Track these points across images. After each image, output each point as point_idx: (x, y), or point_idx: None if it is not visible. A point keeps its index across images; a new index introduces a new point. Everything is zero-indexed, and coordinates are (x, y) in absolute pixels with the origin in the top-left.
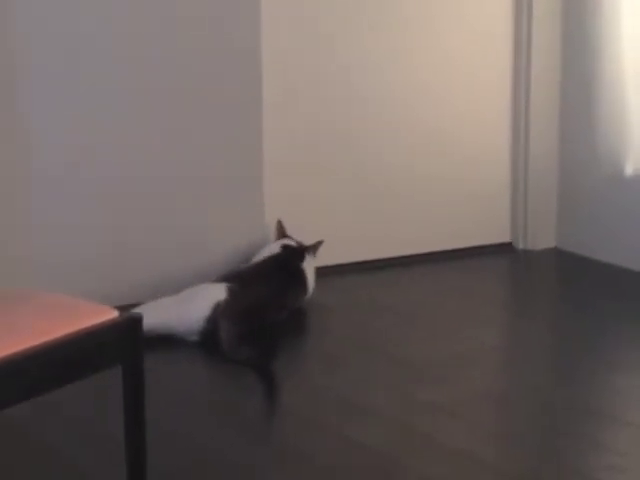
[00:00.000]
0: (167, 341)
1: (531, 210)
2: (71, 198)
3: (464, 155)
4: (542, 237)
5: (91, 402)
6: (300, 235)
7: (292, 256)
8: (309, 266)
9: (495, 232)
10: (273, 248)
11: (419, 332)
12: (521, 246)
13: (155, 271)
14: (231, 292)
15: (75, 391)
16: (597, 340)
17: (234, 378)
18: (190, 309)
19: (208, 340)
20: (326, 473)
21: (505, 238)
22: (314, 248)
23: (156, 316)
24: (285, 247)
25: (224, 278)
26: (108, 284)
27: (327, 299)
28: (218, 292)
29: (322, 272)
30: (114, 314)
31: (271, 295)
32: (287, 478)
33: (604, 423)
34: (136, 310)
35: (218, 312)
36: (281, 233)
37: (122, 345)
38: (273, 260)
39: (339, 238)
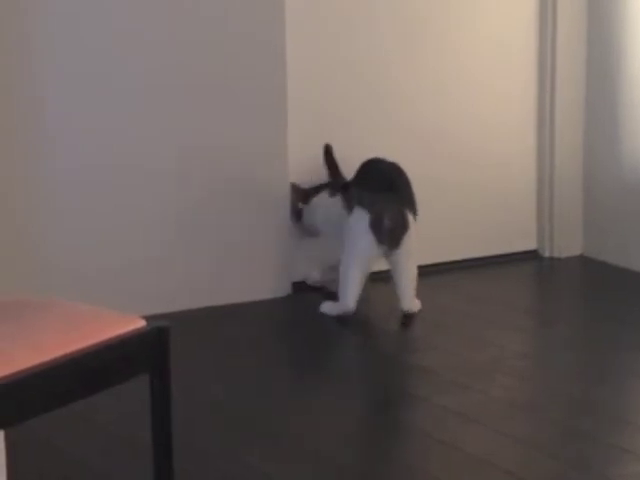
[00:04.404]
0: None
1: (557, 218)
2: (93, 204)
3: (489, 163)
4: (568, 245)
5: (117, 410)
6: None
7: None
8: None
9: (521, 240)
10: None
11: (444, 339)
12: (547, 254)
13: (182, 279)
14: None
15: (101, 400)
16: (623, 347)
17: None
18: None
19: None
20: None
21: (531, 246)
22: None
23: None
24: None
25: None
26: (133, 292)
27: None
28: None
29: None
30: (141, 323)
31: None
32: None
33: (631, 430)
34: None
35: None
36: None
37: (149, 354)
38: None
39: None
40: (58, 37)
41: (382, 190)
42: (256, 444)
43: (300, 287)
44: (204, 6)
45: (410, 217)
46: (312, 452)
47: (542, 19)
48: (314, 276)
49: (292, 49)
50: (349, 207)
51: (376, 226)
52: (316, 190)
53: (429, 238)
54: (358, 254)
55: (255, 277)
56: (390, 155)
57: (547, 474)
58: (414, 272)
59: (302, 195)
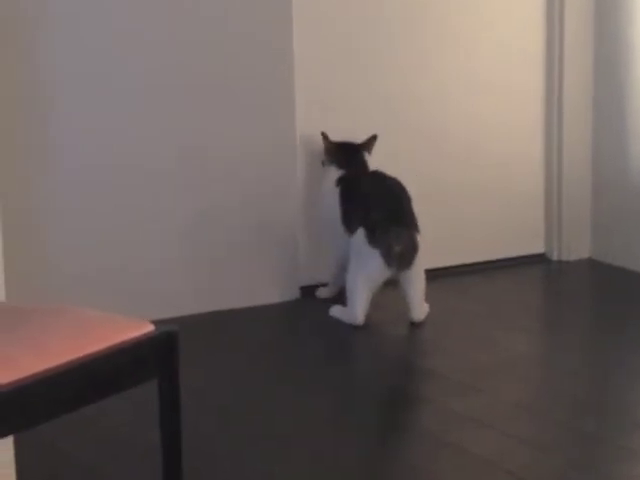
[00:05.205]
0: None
1: (565, 221)
2: (94, 206)
3: (497, 166)
4: (576, 248)
5: (125, 414)
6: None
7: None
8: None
9: (529, 243)
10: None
11: (452, 342)
12: (555, 257)
13: (188, 283)
14: None
15: (109, 403)
16: (630, 349)
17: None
18: None
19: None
20: None
21: (539, 249)
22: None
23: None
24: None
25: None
26: (138, 296)
27: None
28: None
29: None
30: (150, 328)
31: None
32: None
33: (637, 432)
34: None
35: None
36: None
37: (159, 359)
38: None
39: None
40: (58, 37)
41: (389, 215)
42: (263, 446)
43: (308, 291)
44: (208, 5)
45: (418, 237)
46: (318, 453)
47: (549, 19)
48: (323, 292)
49: (297, 49)
50: (350, 230)
51: (386, 255)
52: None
53: (437, 241)
54: (367, 275)
55: (263, 281)
56: (396, 156)
57: (553, 475)
58: (423, 283)
59: (328, 147)
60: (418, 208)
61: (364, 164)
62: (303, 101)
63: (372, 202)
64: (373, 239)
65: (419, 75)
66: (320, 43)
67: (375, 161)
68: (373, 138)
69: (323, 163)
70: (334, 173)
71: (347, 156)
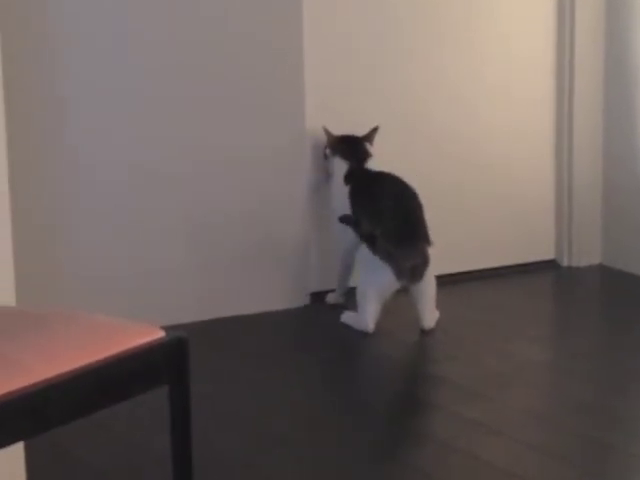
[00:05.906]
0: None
1: (575, 226)
2: (98, 211)
3: (507, 172)
4: (587, 254)
5: (136, 419)
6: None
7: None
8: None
9: (539, 249)
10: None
11: (462, 349)
12: (565, 263)
13: (198, 289)
14: None
15: (120, 408)
16: None
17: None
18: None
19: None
20: None
21: (549, 255)
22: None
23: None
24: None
25: None
26: (146, 303)
27: None
28: None
29: None
30: (161, 334)
31: None
32: None
33: None
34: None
35: None
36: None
37: (169, 365)
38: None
39: None
40: (58, 37)
41: (401, 229)
42: (272, 451)
43: (318, 297)
44: (216, 5)
45: (429, 250)
46: (327, 459)
47: (560, 21)
48: (332, 297)
49: (305, 50)
50: (360, 237)
51: (397, 270)
52: (343, 141)
53: (446, 247)
54: (377, 286)
55: (272, 287)
56: (403, 159)
57: None
58: (434, 291)
59: (331, 140)
60: (427, 214)
61: (366, 153)
62: (307, 103)
63: (384, 214)
64: (384, 254)
65: (426, 77)
66: (323, 43)
67: (384, 163)
68: (374, 130)
69: (326, 156)
70: (341, 165)
71: (350, 147)
